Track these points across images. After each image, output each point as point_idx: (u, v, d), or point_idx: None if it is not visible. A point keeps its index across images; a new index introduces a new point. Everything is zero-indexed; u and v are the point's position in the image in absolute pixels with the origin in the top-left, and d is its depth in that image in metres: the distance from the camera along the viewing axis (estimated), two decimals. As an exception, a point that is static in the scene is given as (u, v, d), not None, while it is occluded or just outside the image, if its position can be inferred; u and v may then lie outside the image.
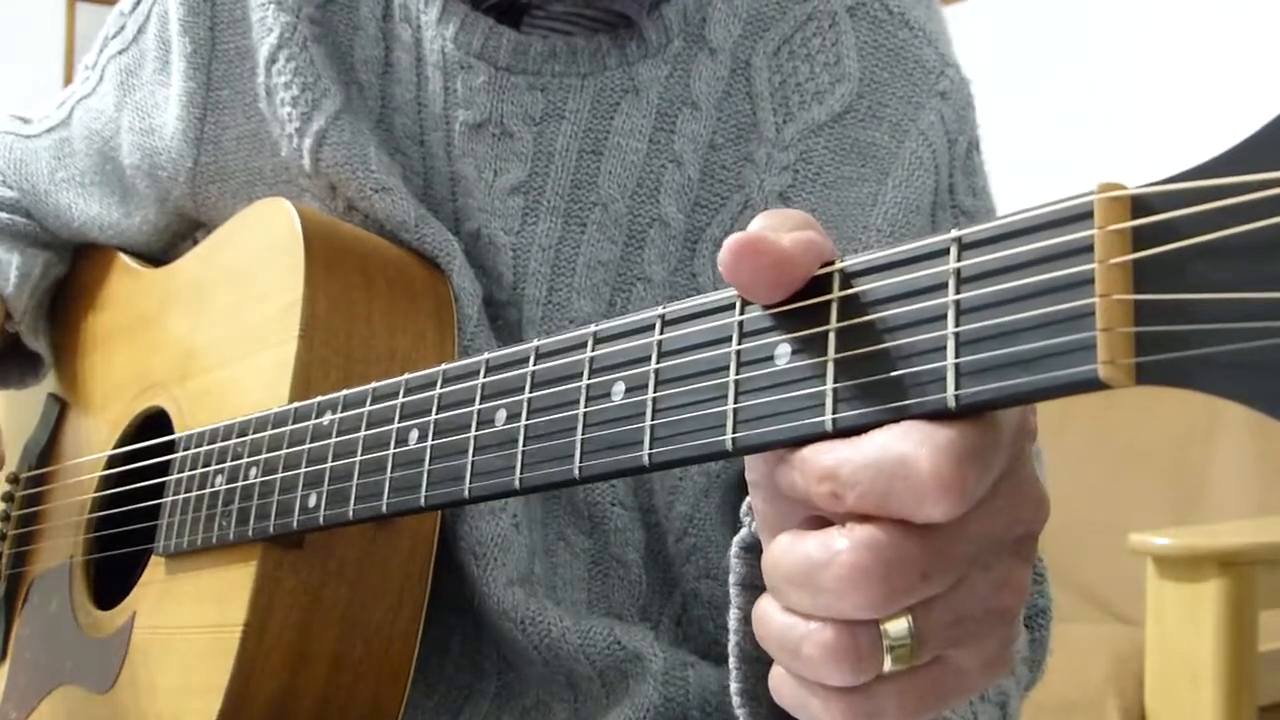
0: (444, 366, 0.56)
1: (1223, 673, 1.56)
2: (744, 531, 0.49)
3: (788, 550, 0.40)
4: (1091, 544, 2.29)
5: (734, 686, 0.50)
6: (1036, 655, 0.72)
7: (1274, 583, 1.61)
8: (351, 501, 0.60)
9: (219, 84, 0.83)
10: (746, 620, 0.49)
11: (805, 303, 0.41)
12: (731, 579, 0.49)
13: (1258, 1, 2.73)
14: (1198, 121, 2.74)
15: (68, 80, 3.67)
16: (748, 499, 0.47)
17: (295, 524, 0.64)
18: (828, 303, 0.40)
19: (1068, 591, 2.37)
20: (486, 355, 0.53)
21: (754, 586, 0.48)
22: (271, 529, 0.65)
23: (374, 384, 0.61)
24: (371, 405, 0.60)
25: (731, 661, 0.49)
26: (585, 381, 0.48)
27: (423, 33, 0.78)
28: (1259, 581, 1.59)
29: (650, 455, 0.44)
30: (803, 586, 0.39)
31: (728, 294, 0.43)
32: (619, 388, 0.46)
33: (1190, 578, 1.60)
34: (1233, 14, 2.78)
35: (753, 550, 0.48)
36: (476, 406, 0.53)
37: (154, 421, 0.84)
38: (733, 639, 0.49)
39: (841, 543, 0.38)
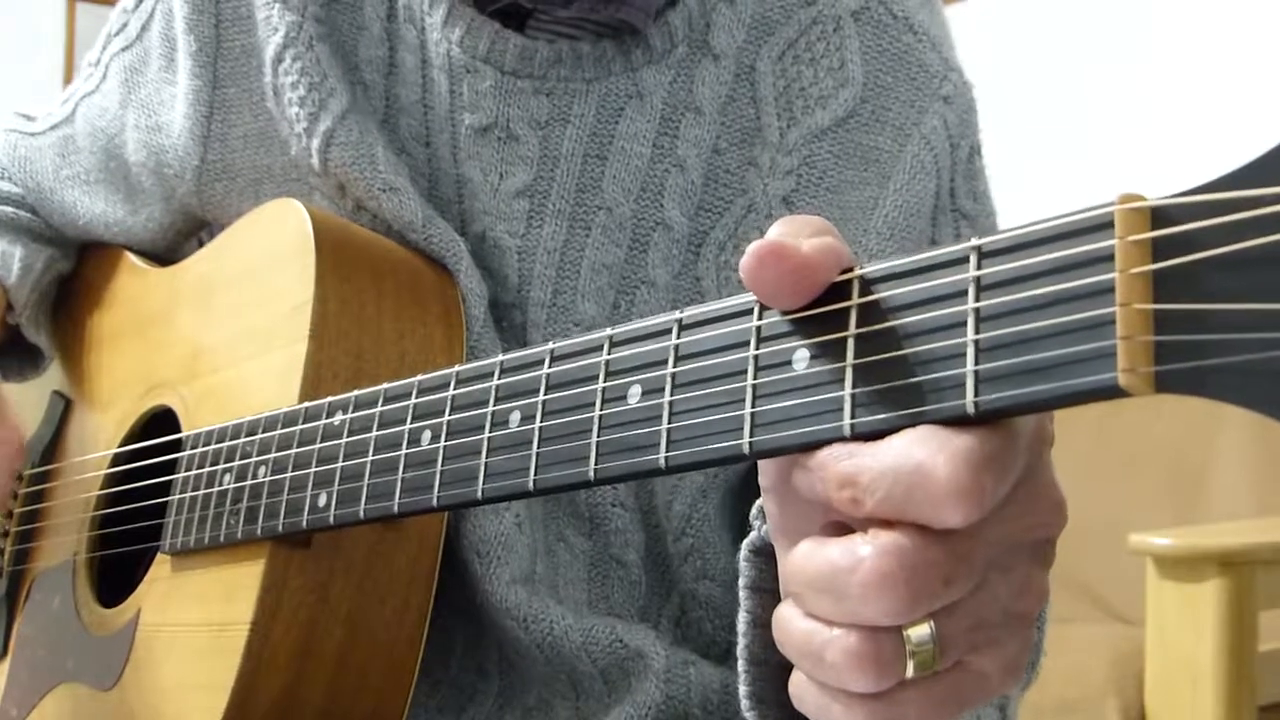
0: (458, 368, 0.56)
1: (1223, 673, 1.56)
2: (754, 535, 0.49)
3: (810, 556, 0.40)
4: (1091, 544, 2.29)
5: (743, 689, 0.50)
6: (1031, 658, 0.72)
7: (1274, 583, 1.61)
8: (362, 501, 0.60)
9: (225, 82, 0.83)
10: (756, 624, 0.49)
11: (824, 309, 0.41)
12: (741, 582, 0.49)
13: (1272, 2, 2.71)
14: (1202, 126, 2.72)
15: (68, 80, 3.66)
16: (758, 502, 0.47)
17: (305, 523, 0.64)
18: (847, 309, 0.40)
19: (1068, 591, 2.37)
20: (501, 357, 0.53)
21: (764, 590, 0.48)
22: (280, 528, 0.65)
23: (386, 385, 0.61)
24: (383, 406, 0.60)
25: (740, 664, 0.50)
26: (601, 384, 0.48)
27: (427, 35, 0.78)
28: (1259, 581, 1.60)
29: (666, 459, 0.44)
30: (827, 593, 0.39)
31: (746, 299, 0.44)
32: (635, 391, 0.46)
33: (1190, 578, 1.60)
34: (1242, 15, 2.75)
35: (762, 553, 0.48)
36: (491, 408, 0.53)
37: (160, 420, 0.84)
38: (741, 642, 0.49)
39: (866, 549, 0.38)
